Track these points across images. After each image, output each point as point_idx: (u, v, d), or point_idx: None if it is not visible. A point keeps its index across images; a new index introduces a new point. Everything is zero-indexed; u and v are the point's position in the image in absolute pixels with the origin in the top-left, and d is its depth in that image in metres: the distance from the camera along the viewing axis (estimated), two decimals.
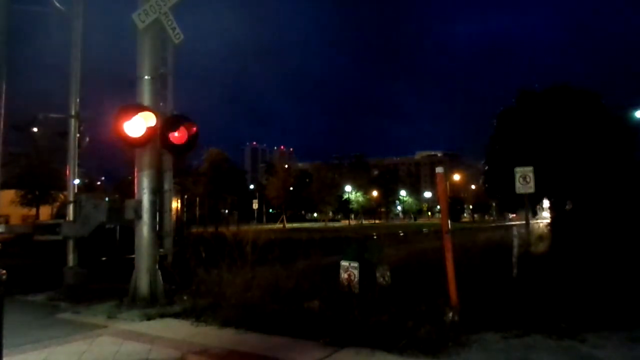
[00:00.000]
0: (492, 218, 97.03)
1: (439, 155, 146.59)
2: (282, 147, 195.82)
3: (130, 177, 25.10)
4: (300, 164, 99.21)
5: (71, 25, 9.44)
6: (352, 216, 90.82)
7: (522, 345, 5.20)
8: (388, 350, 5.01)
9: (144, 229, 8.03)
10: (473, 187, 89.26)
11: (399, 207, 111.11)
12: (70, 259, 9.14)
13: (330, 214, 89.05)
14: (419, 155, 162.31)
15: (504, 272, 8.36)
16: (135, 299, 7.82)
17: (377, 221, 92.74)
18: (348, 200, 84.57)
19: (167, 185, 8.51)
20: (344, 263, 7.60)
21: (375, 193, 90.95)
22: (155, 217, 8.18)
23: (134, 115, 7.71)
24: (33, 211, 39.49)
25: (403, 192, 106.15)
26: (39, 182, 36.25)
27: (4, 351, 3.38)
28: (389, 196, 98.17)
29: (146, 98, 8.21)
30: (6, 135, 4.37)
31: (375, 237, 19.05)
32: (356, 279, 7.35)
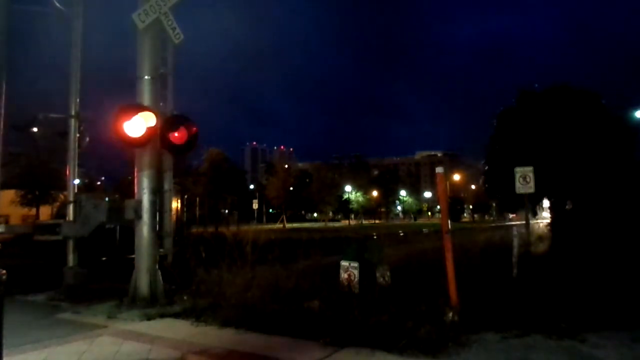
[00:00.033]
0: (492, 218, 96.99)
1: (439, 155, 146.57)
2: (282, 147, 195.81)
3: (130, 177, 25.11)
4: (300, 164, 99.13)
5: (71, 25, 9.45)
6: (352, 216, 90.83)
7: (522, 345, 5.20)
8: (388, 350, 5.01)
9: (144, 229, 8.03)
10: (473, 187, 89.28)
11: (399, 207, 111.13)
12: (70, 259, 9.14)
13: (330, 214, 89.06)
14: (419, 155, 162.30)
15: (504, 272, 8.36)
16: (135, 299, 7.83)
17: (377, 221, 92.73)
18: (348, 200, 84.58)
19: (167, 185, 8.51)
20: (344, 263, 7.60)
21: (375, 193, 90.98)
22: (155, 217, 8.18)
23: (134, 115, 7.72)
24: (33, 211, 39.50)
25: (403, 192, 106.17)
26: (39, 182, 36.26)
27: (4, 351, 3.38)
28: (389, 196, 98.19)
29: (146, 98, 8.21)
30: (6, 135, 4.37)
31: (375, 237, 19.06)
32: (356, 279, 7.35)
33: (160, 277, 8.06)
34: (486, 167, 25.10)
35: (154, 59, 8.38)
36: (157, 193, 8.24)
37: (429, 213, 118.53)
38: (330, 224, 72.42)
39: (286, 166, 79.52)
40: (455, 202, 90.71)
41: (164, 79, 8.64)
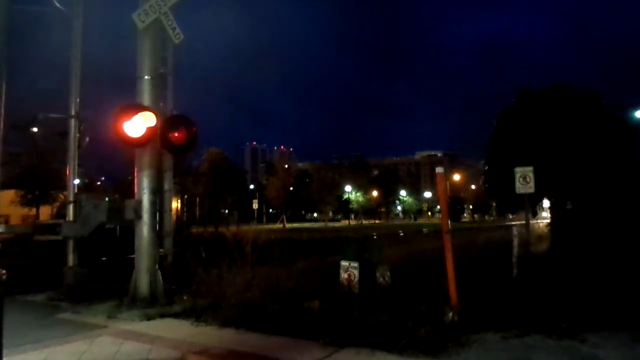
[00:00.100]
0: (492, 218, 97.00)
1: (439, 155, 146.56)
2: (282, 147, 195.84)
3: (130, 177, 25.09)
4: (300, 164, 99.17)
5: (71, 25, 9.44)
6: (352, 216, 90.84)
7: (522, 345, 5.20)
8: (388, 350, 5.01)
9: (144, 229, 8.03)
10: (473, 187, 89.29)
11: (399, 207, 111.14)
12: (70, 259, 9.14)
13: (330, 214, 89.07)
14: (419, 155, 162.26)
15: (504, 272, 8.36)
16: (135, 299, 7.82)
17: (377, 221, 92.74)
18: (348, 200, 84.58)
19: (167, 185, 8.51)
20: (344, 263, 7.60)
21: (375, 193, 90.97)
22: (155, 217, 8.18)
23: (134, 115, 7.72)
24: (33, 211, 39.51)
25: (403, 192, 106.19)
26: (39, 182, 36.28)
27: (4, 351, 3.39)
28: (389, 196, 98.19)
29: (146, 98, 8.21)
30: (6, 135, 4.37)
31: (375, 237, 19.04)
32: (356, 279, 7.35)
33: (160, 277, 8.06)
34: (486, 167, 25.14)
35: (154, 59, 8.38)
36: (157, 193, 8.24)
37: (429, 213, 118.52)
38: (330, 224, 72.41)
39: (286, 166, 79.60)
40: (455, 202, 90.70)
41: (164, 79, 8.64)
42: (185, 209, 44.88)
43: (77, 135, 9.65)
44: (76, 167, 9.67)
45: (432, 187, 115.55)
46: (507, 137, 21.72)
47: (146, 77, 8.24)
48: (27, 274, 10.90)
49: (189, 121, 8.35)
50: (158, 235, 8.24)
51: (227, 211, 71.79)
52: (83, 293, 8.72)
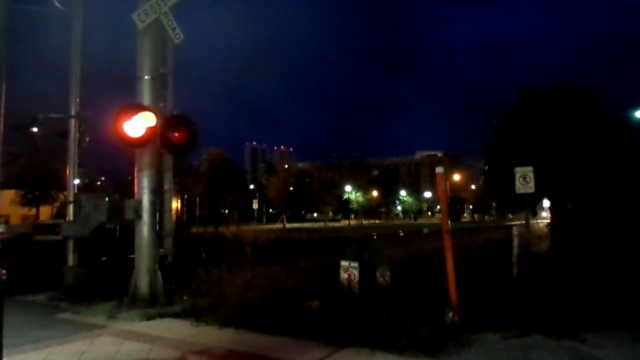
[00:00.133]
0: (492, 218, 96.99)
1: (439, 155, 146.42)
2: (282, 147, 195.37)
3: (130, 177, 25.10)
4: (300, 164, 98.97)
5: (71, 25, 9.44)
6: (352, 216, 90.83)
7: (522, 345, 5.20)
8: (388, 350, 5.01)
9: (144, 229, 8.03)
10: (473, 187, 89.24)
11: (399, 207, 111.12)
12: (70, 259, 9.14)
13: (330, 214, 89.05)
14: (419, 155, 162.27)
15: (504, 272, 8.35)
16: (135, 299, 7.83)
17: (377, 221, 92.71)
18: (348, 200, 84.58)
19: (167, 185, 8.51)
20: (344, 263, 7.60)
21: (375, 193, 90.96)
22: (155, 217, 8.18)
23: (134, 115, 7.72)
24: (33, 211, 39.50)
25: (403, 192, 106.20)
26: (39, 182, 36.26)
27: (4, 351, 3.39)
28: (389, 196, 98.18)
29: (146, 98, 8.21)
30: (6, 135, 4.38)
31: (375, 237, 19.03)
32: (356, 279, 7.35)
33: (160, 277, 8.06)
34: (486, 167, 25.17)
35: (154, 59, 8.38)
36: (157, 193, 8.24)
37: (429, 213, 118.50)
38: (330, 224, 72.40)
39: (286, 166, 79.45)
40: (455, 202, 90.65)
41: (164, 79, 8.64)
42: (185, 209, 44.88)
43: (77, 135, 9.65)
44: (76, 167, 9.68)
45: (432, 187, 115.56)
46: (507, 137, 21.75)
47: (146, 77, 8.24)
48: (27, 274, 10.89)
49: (189, 121, 8.35)
50: (158, 235, 8.24)
51: (227, 211, 71.78)
52: (83, 293, 8.72)
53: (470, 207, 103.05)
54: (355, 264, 7.45)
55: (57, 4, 9.33)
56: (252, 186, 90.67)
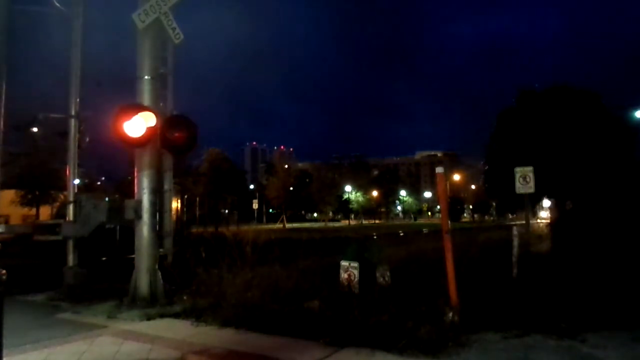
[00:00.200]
0: (492, 218, 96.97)
1: (439, 155, 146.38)
2: (282, 147, 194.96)
3: (130, 177, 25.07)
4: (300, 164, 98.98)
5: (71, 25, 9.45)
6: (352, 216, 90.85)
7: (522, 345, 5.20)
8: (388, 350, 5.01)
9: (144, 229, 8.03)
10: (473, 187, 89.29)
11: (399, 207, 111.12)
12: (70, 259, 9.15)
13: (330, 214, 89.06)
14: (419, 155, 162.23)
15: (504, 272, 8.35)
16: (135, 299, 7.83)
17: (377, 221, 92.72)
18: (348, 200, 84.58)
19: (167, 185, 8.51)
20: (344, 263, 7.60)
21: (375, 193, 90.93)
22: (155, 217, 8.18)
23: (134, 115, 7.72)
24: (33, 211, 39.50)
25: (403, 192, 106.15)
26: (39, 182, 36.24)
27: (4, 351, 3.39)
28: (389, 196, 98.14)
29: (146, 98, 8.22)
30: (6, 135, 4.38)
31: (375, 237, 19.04)
32: (356, 279, 7.35)
33: (160, 277, 8.06)
34: (486, 167, 25.21)
35: (154, 59, 8.39)
36: (157, 193, 8.25)
37: (429, 213, 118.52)
38: (330, 224, 72.42)
39: (286, 166, 79.48)
40: (455, 202, 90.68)
41: (164, 79, 8.64)
42: (185, 209, 44.82)
43: (77, 135, 9.66)
44: (76, 167, 9.68)
45: (432, 187, 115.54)
46: (507, 137, 21.76)
47: (146, 77, 8.25)
48: (27, 274, 10.89)
49: (189, 121, 8.35)
50: (158, 235, 8.25)
51: (227, 211, 71.76)
52: (83, 293, 8.73)
53: (470, 207, 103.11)
54: (355, 264, 7.45)
55: (57, 4, 9.34)
56: (252, 186, 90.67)
